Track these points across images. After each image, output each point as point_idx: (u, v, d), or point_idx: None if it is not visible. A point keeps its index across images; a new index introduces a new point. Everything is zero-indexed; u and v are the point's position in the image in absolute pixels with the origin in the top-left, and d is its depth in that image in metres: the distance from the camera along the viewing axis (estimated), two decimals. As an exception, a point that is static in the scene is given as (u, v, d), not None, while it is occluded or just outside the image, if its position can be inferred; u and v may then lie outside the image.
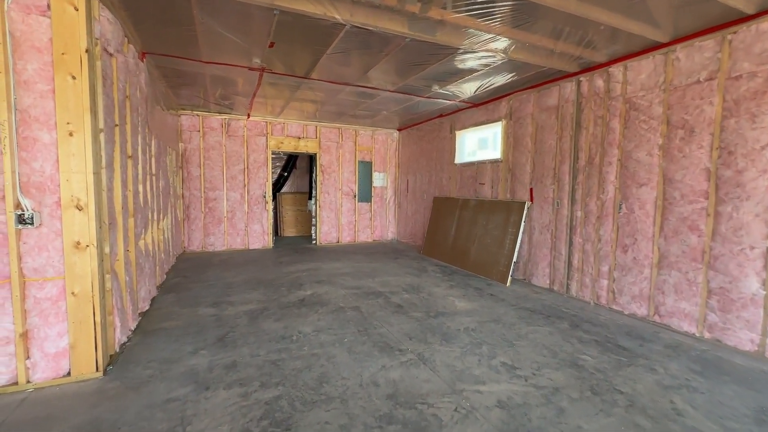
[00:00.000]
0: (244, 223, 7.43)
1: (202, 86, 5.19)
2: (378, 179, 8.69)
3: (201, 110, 6.86)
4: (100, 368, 2.50)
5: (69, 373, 2.43)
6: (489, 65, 4.21)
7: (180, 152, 6.82)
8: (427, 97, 5.64)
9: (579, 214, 4.40)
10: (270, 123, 7.53)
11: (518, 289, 4.78)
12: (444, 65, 4.22)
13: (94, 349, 2.48)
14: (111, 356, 2.70)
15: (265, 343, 3.05)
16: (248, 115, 7.21)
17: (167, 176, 5.54)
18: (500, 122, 5.62)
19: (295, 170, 10.24)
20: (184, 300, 4.12)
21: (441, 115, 7.00)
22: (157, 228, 4.77)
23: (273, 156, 9.76)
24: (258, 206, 7.54)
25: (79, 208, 2.40)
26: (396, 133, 8.80)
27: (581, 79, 4.36)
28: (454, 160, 6.70)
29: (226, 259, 6.46)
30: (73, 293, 2.40)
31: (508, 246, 5.09)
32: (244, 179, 7.38)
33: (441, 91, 5.25)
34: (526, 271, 5.14)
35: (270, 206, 7.64)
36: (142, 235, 3.79)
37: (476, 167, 6.13)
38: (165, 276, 4.97)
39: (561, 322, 3.62)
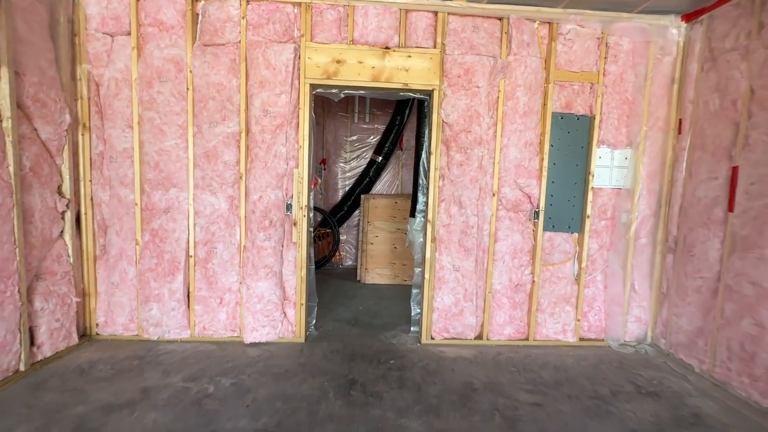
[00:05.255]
0: (235, 273, 2.89)
1: None
2: (609, 166, 3.02)
3: (131, -24, 2.58)
4: None
5: None
6: None
7: (77, 89, 2.69)
8: None
9: None
10: (309, 5, 2.77)
11: None
12: None
13: None
14: None
15: None
16: (246, -17, 2.61)
17: None
18: None
19: (400, 152, 5.36)
20: None
21: None
22: None
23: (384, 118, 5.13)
24: (271, 233, 2.88)
25: None
26: (677, 30, 2.91)
27: None
28: None
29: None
30: None
31: None
32: (240, 160, 2.83)
33: None
34: None
35: (303, 228, 2.92)
36: None
37: None
38: None
39: None
